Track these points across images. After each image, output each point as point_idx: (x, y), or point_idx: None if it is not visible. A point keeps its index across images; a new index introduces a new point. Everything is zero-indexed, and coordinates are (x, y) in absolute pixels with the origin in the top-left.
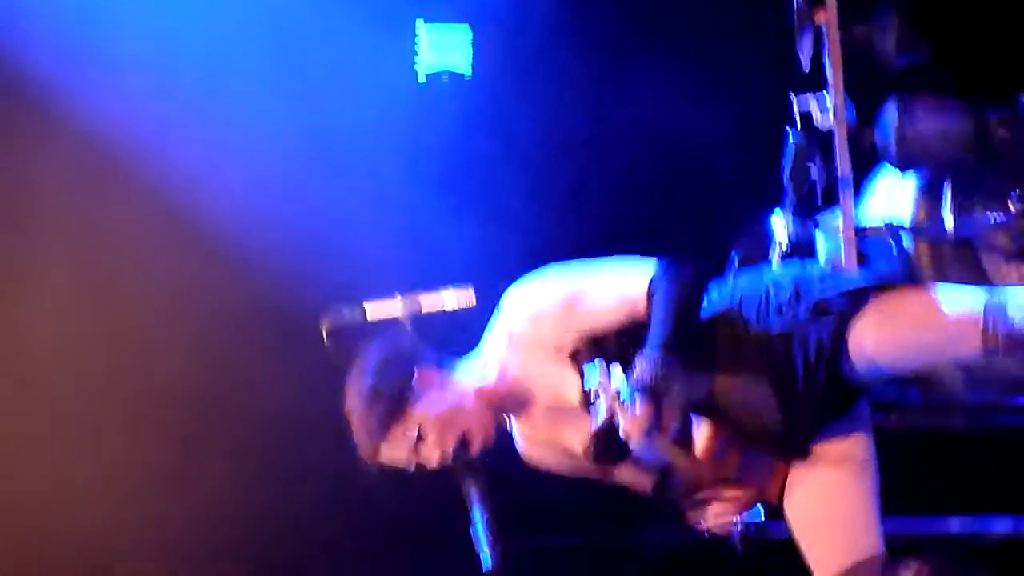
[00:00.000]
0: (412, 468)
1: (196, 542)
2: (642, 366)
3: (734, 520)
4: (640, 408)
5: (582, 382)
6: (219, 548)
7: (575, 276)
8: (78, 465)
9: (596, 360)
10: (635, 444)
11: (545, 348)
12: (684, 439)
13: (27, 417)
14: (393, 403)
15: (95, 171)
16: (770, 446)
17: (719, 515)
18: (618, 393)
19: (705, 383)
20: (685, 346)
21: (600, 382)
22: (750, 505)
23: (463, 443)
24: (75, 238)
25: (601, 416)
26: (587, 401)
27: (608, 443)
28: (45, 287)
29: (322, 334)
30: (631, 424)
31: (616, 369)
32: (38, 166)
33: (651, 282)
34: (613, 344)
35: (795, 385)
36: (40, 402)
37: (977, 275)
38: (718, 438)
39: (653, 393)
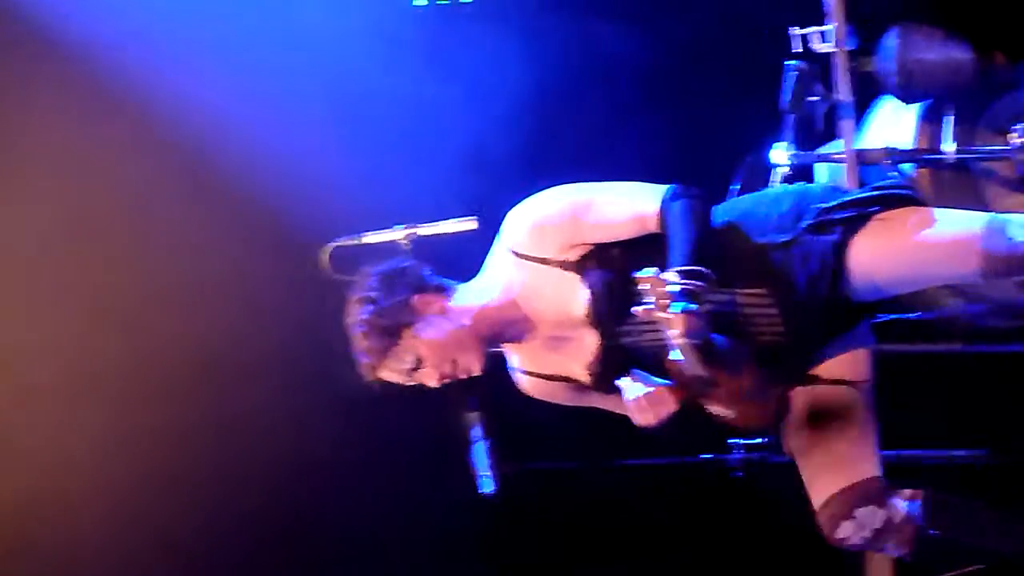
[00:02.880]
0: (411, 386)
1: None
2: (679, 272)
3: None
4: (688, 308)
5: (589, 295)
6: (231, 469)
7: (580, 190)
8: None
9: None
10: (680, 340)
11: (549, 261)
12: (707, 350)
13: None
14: (390, 328)
15: (89, 98)
16: (773, 363)
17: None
18: (668, 291)
19: (710, 298)
20: (708, 260)
21: (652, 278)
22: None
23: (460, 367)
24: (69, 166)
25: (650, 306)
26: (594, 314)
27: (611, 365)
28: (40, 217)
29: (322, 260)
30: (677, 321)
31: (670, 273)
32: (42, 109)
33: (664, 198)
34: (620, 258)
35: (798, 300)
36: (27, 341)
37: (977, 203)
38: (736, 351)
39: (693, 298)
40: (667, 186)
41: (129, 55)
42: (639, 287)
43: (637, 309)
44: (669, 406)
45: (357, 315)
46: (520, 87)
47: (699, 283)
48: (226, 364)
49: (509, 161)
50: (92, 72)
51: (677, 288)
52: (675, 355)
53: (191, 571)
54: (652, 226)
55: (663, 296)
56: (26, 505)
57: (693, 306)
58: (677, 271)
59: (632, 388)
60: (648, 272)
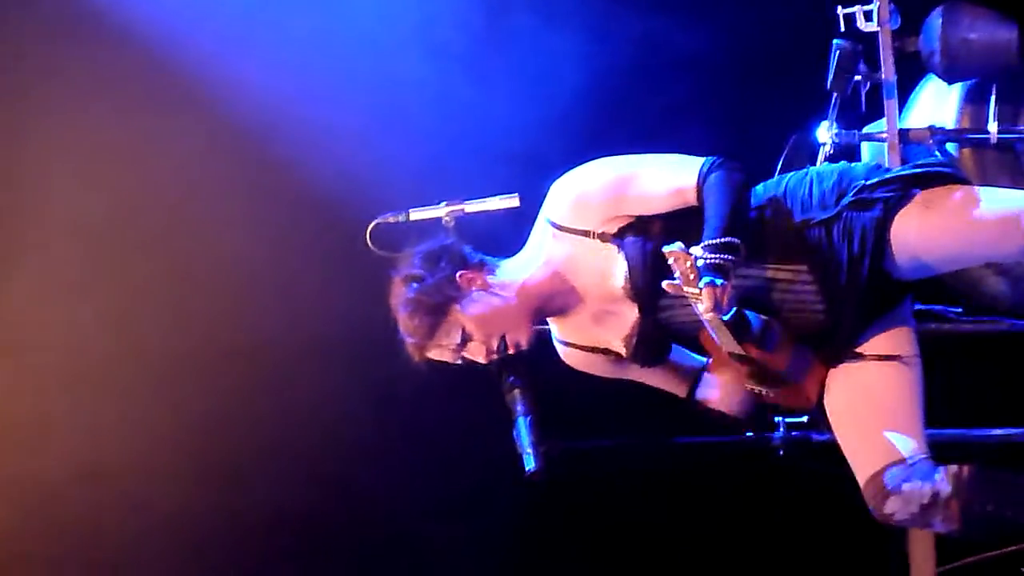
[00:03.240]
0: (459, 363)
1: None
2: (706, 249)
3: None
4: (715, 283)
5: (627, 267)
6: (275, 444)
7: (622, 163)
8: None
9: (676, 242)
10: (706, 316)
11: (590, 233)
12: (741, 327)
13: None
14: (437, 306)
15: (133, 83)
16: (814, 341)
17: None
18: (695, 265)
19: (750, 274)
20: (742, 231)
21: (679, 251)
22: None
23: (509, 342)
24: (111, 153)
25: (676, 284)
26: (632, 287)
27: (649, 340)
28: (83, 205)
29: (367, 237)
30: (704, 295)
31: (696, 248)
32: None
33: (702, 171)
34: (660, 231)
35: (839, 277)
36: (72, 324)
37: (1020, 183)
38: (772, 328)
39: (722, 272)
40: (706, 158)
41: (176, 40)
42: (667, 261)
43: (666, 283)
44: (741, 398)
45: (403, 294)
46: (562, 66)
47: (728, 256)
48: (270, 348)
49: (551, 139)
50: (138, 56)
51: (703, 263)
52: (708, 321)
53: (228, 552)
54: (691, 199)
55: (690, 271)
56: (62, 484)
57: (720, 280)
58: (706, 244)
59: (706, 386)
60: (675, 247)
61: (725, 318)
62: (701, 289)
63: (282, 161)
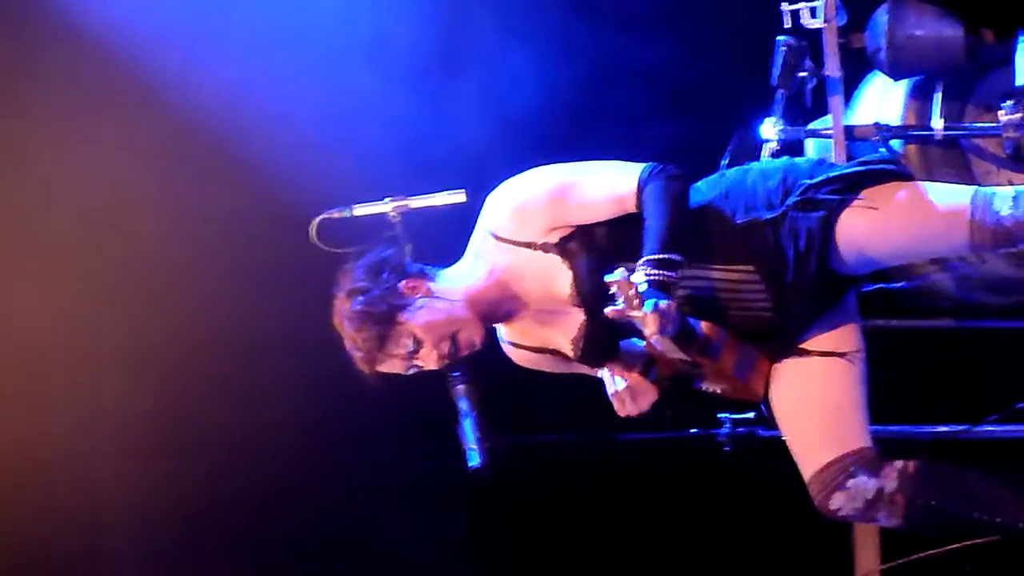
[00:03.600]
0: (410, 372)
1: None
2: (648, 267)
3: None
4: (660, 305)
5: (572, 276)
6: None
7: (559, 172)
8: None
9: (618, 268)
10: (655, 337)
11: (532, 244)
12: (686, 337)
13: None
14: (384, 316)
15: (100, 85)
16: (759, 339)
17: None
18: (638, 291)
19: (696, 275)
20: (681, 242)
21: (621, 280)
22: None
23: (456, 345)
24: (80, 155)
25: (620, 309)
26: (578, 295)
27: (596, 341)
28: (37, 185)
29: (311, 233)
30: (648, 320)
31: (638, 274)
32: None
33: (641, 179)
34: (604, 237)
35: (785, 277)
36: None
37: (965, 179)
38: (715, 335)
39: (665, 289)
40: (645, 165)
41: (137, 42)
42: (609, 290)
43: (609, 310)
44: (649, 397)
45: (347, 309)
46: (511, 58)
47: (670, 273)
48: (217, 342)
49: (501, 135)
50: (94, 55)
51: (646, 287)
52: (655, 342)
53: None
54: (631, 206)
55: (634, 296)
56: (51, 464)
57: (664, 301)
58: (646, 260)
59: (612, 382)
60: (616, 275)
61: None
62: (646, 314)
63: (231, 157)
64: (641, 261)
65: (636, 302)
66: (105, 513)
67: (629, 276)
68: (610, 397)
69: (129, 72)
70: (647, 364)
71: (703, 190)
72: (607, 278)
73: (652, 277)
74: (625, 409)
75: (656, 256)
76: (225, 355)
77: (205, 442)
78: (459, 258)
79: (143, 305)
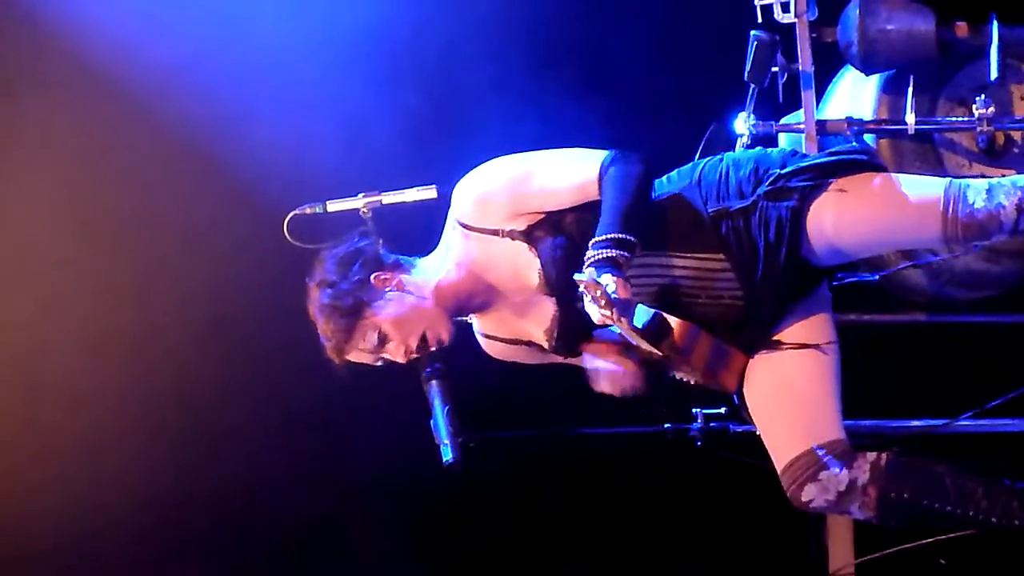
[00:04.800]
0: (379, 364)
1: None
2: (598, 245)
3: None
4: (605, 285)
5: (540, 263)
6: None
7: (522, 160)
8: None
9: (586, 269)
10: (600, 320)
11: (498, 232)
12: (658, 333)
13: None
14: (352, 311)
15: (88, 87)
16: (733, 329)
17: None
18: (605, 291)
19: (666, 263)
20: (638, 224)
21: (588, 281)
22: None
23: (424, 340)
24: (69, 157)
25: (596, 316)
26: (547, 283)
27: (569, 331)
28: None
29: (284, 228)
30: (599, 304)
31: (606, 276)
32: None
33: (603, 165)
34: (572, 224)
35: (756, 266)
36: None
37: (938, 173)
38: (688, 331)
39: (613, 266)
40: (608, 152)
41: (120, 45)
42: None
43: (595, 318)
44: (634, 382)
45: (318, 299)
46: (482, 55)
47: (623, 252)
48: (181, 334)
49: (471, 132)
50: (75, 59)
51: (612, 288)
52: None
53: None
54: (593, 192)
55: (602, 297)
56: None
57: (613, 275)
58: (596, 241)
59: (595, 364)
60: (584, 275)
61: (639, 325)
62: (613, 311)
63: (205, 152)
64: (594, 241)
65: (604, 302)
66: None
67: (597, 277)
68: (591, 376)
69: (120, 81)
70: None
71: (675, 179)
72: (576, 277)
73: (604, 255)
74: (608, 389)
75: (609, 235)
76: (197, 351)
77: (172, 439)
78: (434, 248)
79: (113, 301)
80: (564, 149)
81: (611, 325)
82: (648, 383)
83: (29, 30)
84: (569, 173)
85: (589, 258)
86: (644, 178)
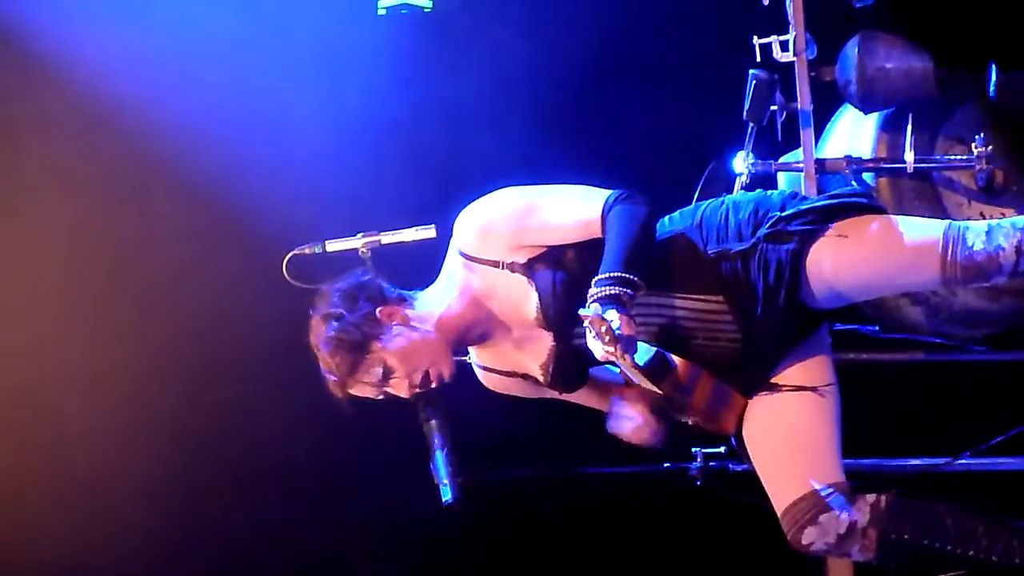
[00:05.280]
0: (381, 398)
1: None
2: (600, 283)
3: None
4: (610, 322)
5: (538, 298)
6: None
7: (527, 193)
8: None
9: (592, 304)
10: (603, 357)
11: (499, 263)
12: (660, 371)
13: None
14: (357, 344)
15: (79, 114)
16: (731, 371)
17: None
18: (610, 327)
19: (665, 304)
20: (642, 264)
21: (593, 316)
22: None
23: (428, 375)
24: (61, 180)
25: (600, 353)
26: (544, 318)
27: (565, 367)
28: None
29: (283, 268)
30: (603, 340)
31: (611, 312)
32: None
33: (607, 203)
34: (573, 260)
35: (755, 309)
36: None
37: (937, 212)
38: (689, 371)
39: (616, 304)
40: (612, 191)
41: (112, 72)
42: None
43: (599, 355)
44: (654, 429)
45: (323, 333)
46: (483, 96)
47: (627, 291)
48: (211, 366)
49: (472, 171)
50: (80, 90)
51: (617, 324)
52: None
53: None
54: (596, 231)
55: (606, 333)
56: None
57: (618, 312)
58: (600, 278)
59: (618, 420)
60: (589, 310)
61: (641, 363)
62: (623, 355)
63: (203, 192)
64: (597, 278)
65: (608, 338)
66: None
67: (602, 313)
68: (613, 419)
69: (113, 107)
70: (657, 405)
71: (676, 220)
72: (581, 312)
73: (607, 292)
74: (630, 435)
75: (610, 273)
76: (193, 390)
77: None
78: (435, 279)
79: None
80: (569, 185)
81: (613, 362)
82: (667, 439)
83: (25, 65)
84: (573, 210)
85: (593, 295)
86: (648, 219)
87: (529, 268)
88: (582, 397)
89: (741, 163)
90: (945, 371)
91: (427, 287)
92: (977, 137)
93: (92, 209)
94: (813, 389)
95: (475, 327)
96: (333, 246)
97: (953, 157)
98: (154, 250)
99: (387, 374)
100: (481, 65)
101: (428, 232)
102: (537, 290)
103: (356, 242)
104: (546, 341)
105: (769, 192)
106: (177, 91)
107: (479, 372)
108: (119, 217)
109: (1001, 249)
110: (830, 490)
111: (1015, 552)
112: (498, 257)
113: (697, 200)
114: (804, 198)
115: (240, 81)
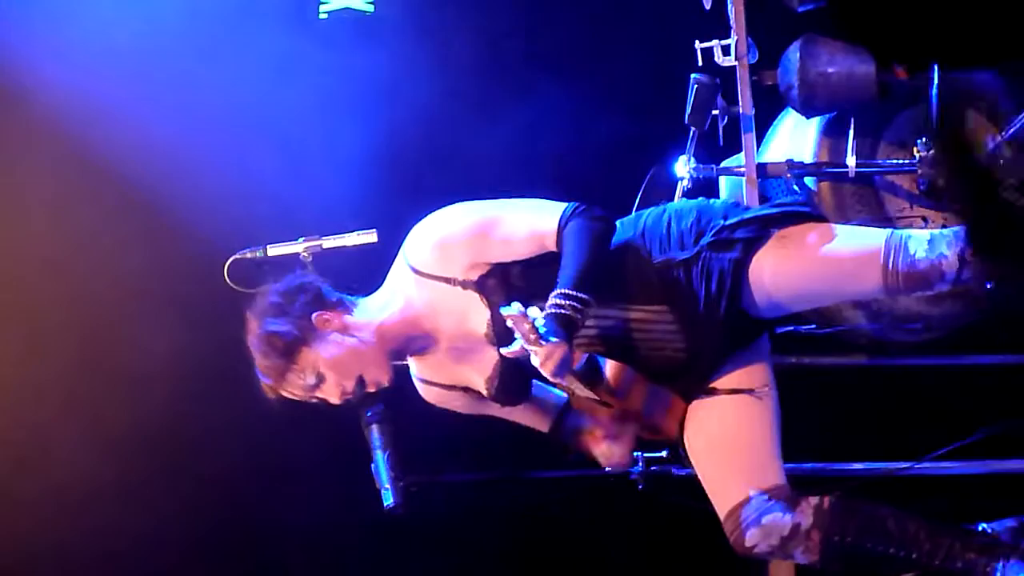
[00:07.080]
0: (313, 401)
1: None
2: (557, 301)
3: (633, 456)
4: (556, 342)
5: (490, 314)
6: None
7: (483, 208)
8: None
9: (513, 303)
10: (550, 376)
11: (452, 280)
12: (592, 376)
13: None
14: (289, 347)
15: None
16: (671, 378)
17: (615, 452)
18: (534, 326)
19: (610, 314)
20: (596, 282)
21: (517, 315)
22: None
23: (362, 383)
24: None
25: (516, 348)
26: (495, 333)
27: (510, 380)
28: None
29: (224, 273)
30: (546, 357)
31: (533, 309)
32: None
33: (563, 217)
34: (520, 276)
35: (697, 315)
36: None
37: (879, 217)
38: (623, 375)
39: (568, 326)
40: (568, 204)
41: (51, 77)
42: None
43: (505, 351)
44: (623, 456)
45: (256, 332)
46: (425, 99)
47: (578, 308)
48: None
49: (414, 176)
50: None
51: (542, 323)
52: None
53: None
54: (551, 244)
55: (530, 331)
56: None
57: (555, 339)
58: (557, 294)
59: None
60: (512, 309)
61: (574, 367)
62: (542, 349)
63: (144, 196)
64: (552, 294)
65: (532, 336)
66: None
67: (525, 311)
68: (583, 435)
69: (31, 112)
70: (560, 413)
71: (619, 230)
72: (502, 310)
73: (557, 311)
74: (599, 453)
75: (567, 291)
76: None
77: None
78: (379, 286)
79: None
80: (522, 200)
81: (541, 364)
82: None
83: None
84: (529, 224)
85: (545, 311)
86: (604, 235)
87: (482, 285)
88: (522, 416)
89: (683, 168)
90: (887, 375)
91: (371, 293)
92: (919, 141)
93: (34, 214)
94: (750, 391)
95: (416, 339)
96: (275, 250)
97: (895, 161)
98: (94, 255)
99: (319, 380)
100: (424, 67)
101: (369, 237)
102: (490, 307)
103: (298, 246)
104: (491, 355)
105: (711, 200)
106: (117, 95)
107: (419, 385)
108: (60, 222)
109: (944, 257)
110: (772, 492)
111: (957, 556)
112: (452, 274)
113: (638, 206)
114: (747, 207)
115: (182, 85)
